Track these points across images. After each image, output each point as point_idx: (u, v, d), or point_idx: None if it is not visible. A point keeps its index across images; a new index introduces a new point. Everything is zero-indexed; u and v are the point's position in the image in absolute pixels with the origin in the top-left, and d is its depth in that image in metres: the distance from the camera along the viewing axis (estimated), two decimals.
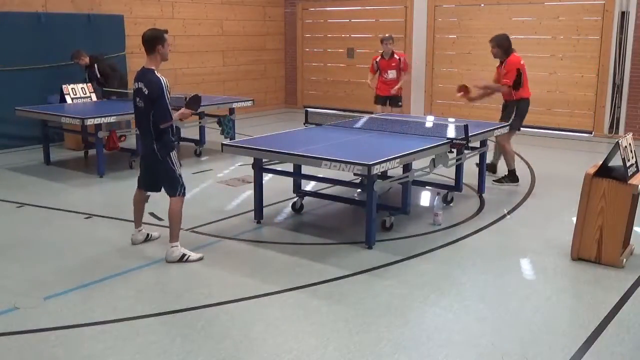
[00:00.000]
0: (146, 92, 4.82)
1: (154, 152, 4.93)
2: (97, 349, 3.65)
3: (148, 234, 5.41)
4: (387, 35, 9.43)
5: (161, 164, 4.96)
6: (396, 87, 9.19)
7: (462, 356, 3.59)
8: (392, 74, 9.24)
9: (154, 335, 3.82)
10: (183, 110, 5.21)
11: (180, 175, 5.03)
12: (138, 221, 5.35)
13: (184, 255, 4.97)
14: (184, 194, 5.06)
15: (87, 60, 9.33)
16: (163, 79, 4.86)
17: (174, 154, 4.99)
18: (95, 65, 9.39)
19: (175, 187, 5.00)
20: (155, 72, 4.87)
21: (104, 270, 4.80)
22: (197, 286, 4.54)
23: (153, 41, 4.86)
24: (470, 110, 11.87)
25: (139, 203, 5.31)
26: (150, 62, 4.91)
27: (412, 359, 3.57)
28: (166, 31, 4.99)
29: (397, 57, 9.24)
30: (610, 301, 4.29)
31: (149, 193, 5.30)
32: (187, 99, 5.34)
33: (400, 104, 9.35)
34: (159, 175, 5.05)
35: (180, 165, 5.11)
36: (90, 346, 3.68)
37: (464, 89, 7.63)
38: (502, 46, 7.29)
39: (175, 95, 9.56)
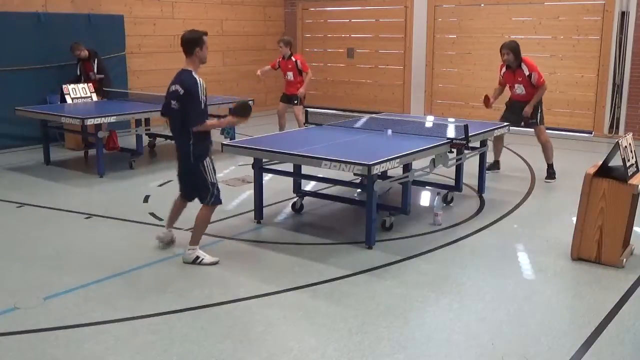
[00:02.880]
0: (181, 93, 4.71)
1: (189, 157, 4.81)
2: (97, 349, 3.65)
3: (173, 239, 5.30)
4: (281, 37, 9.63)
5: (195, 169, 4.84)
6: (301, 92, 9.32)
7: (462, 356, 3.59)
8: (289, 76, 9.41)
9: (154, 335, 3.82)
10: (229, 118, 5.03)
11: (212, 184, 4.88)
12: (170, 221, 5.29)
13: (197, 257, 4.92)
14: (214, 204, 4.95)
15: (85, 53, 9.40)
16: (200, 81, 4.74)
17: (207, 162, 4.85)
18: (95, 60, 9.43)
19: (205, 196, 4.91)
20: (193, 73, 4.76)
21: (104, 270, 4.80)
22: (198, 286, 4.54)
23: (192, 43, 4.77)
24: (470, 110, 11.88)
25: (178, 208, 5.25)
26: (188, 64, 4.81)
27: (412, 359, 3.57)
28: (205, 33, 4.87)
29: (294, 60, 9.33)
30: (610, 301, 4.29)
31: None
32: (234, 106, 5.11)
33: (295, 102, 9.40)
34: (193, 181, 4.93)
35: (215, 173, 4.94)
36: (90, 346, 3.68)
37: (487, 100, 7.84)
38: (516, 52, 7.39)
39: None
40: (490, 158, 7.68)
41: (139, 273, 4.80)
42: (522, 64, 7.44)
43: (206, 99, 4.78)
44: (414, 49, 12.56)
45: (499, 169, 8.06)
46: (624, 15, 10.27)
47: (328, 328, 3.91)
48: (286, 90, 9.60)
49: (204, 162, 4.85)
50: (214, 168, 4.94)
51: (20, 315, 4.09)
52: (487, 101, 7.85)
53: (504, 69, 7.69)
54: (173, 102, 4.80)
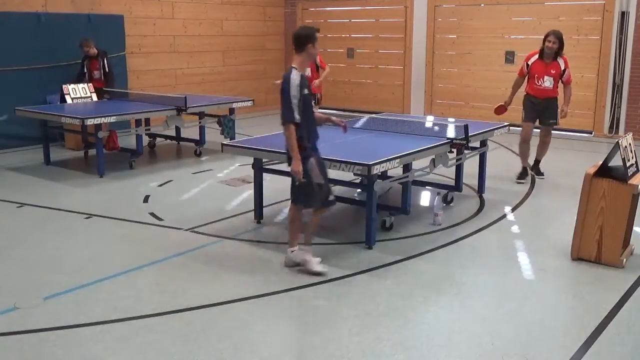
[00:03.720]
0: (280, 90, 4.58)
1: (289, 157, 4.63)
2: (97, 349, 3.65)
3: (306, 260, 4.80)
4: None
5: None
6: (315, 83, 9.17)
7: (462, 356, 3.59)
8: (307, 72, 9.23)
9: (154, 335, 3.82)
10: (338, 120, 4.86)
11: (307, 185, 4.62)
12: (293, 239, 4.87)
13: (304, 261, 4.77)
14: (303, 207, 4.79)
15: (94, 50, 9.39)
16: (295, 77, 4.52)
17: (311, 161, 4.61)
18: (105, 60, 9.43)
19: (296, 195, 4.81)
20: (293, 69, 4.58)
21: (104, 270, 4.80)
22: (197, 286, 4.54)
23: (304, 39, 4.63)
24: (470, 110, 11.89)
25: (296, 220, 4.89)
26: (295, 60, 4.66)
27: (412, 359, 3.57)
28: (318, 30, 4.76)
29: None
30: (610, 301, 4.29)
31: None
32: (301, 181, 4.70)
33: (313, 101, 9.29)
34: (292, 182, 4.75)
35: (313, 175, 4.62)
36: (90, 346, 3.68)
37: (502, 109, 7.71)
38: (562, 43, 7.16)
39: (176, 95, 9.62)
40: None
41: (139, 273, 4.79)
42: (559, 57, 7.25)
43: (299, 97, 4.51)
44: (414, 49, 12.56)
45: (540, 173, 7.70)
46: (624, 15, 10.27)
47: (328, 328, 3.91)
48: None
49: (307, 164, 4.61)
50: (316, 169, 4.66)
51: (20, 315, 4.09)
52: (502, 110, 7.67)
53: (533, 58, 7.35)
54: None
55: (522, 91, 7.67)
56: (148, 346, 3.68)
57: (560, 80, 7.34)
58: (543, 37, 7.25)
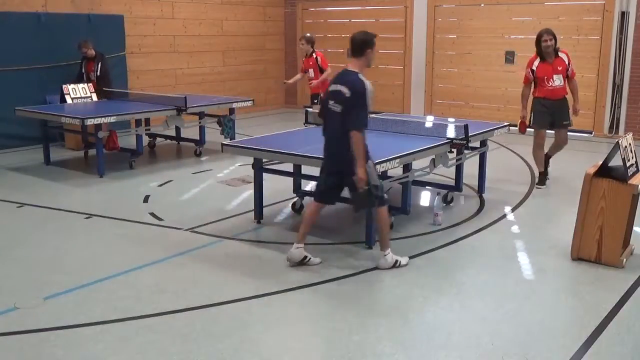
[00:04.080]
0: (347, 95, 4.50)
1: (349, 163, 4.52)
2: (97, 349, 3.65)
3: (306, 256, 4.88)
4: (303, 35, 9.56)
5: (345, 172, 4.62)
6: (313, 84, 9.24)
7: (462, 356, 3.59)
8: (310, 73, 9.33)
9: (154, 335, 3.82)
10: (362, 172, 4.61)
11: (377, 186, 4.63)
12: (302, 236, 4.89)
13: (396, 261, 4.82)
14: (381, 204, 4.75)
15: (92, 52, 9.35)
16: (368, 84, 4.54)
17: (369, 164, 4.63)
18: (100, 63, 9.40)
19: (355, 200, 4.76)
20: (360, 75, 4.56)
21: (104, 270, 4.80)
22: (197, 286, 4.54)
23: (364, 44, 4.61)
24: (470, 110, 11.89)
25: (313, 217, 4.92)
26: (354, 65, 4.62)
27: (412, 359, 3.57)
28: (376, 35, 4.75)
29: (315, 57, 9.23)
30: (610, 301, 4.29)
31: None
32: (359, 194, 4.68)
33: (315, 101, 9.20)
34: (351, 186, 4.66)
35: (371, 179, 4.59)
36: (90, 346, 3.68)
37: (523, 125, 7.50)
38: (556, 38, 7.09)
39: (176, 95, 9.62)
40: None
41: (139, 273, 4.80)
42: (560, 52, 7.14)
43: (370, 103, 4.57)
44: (414, 49, 12.56)
45: (547, 177, 7.48)
46: (624, 15, 10.27)
47: (328, 328, 3.91)
48: (311, 91, 9.45)
49: (368, 162, 4.64)
50: (374, 169, 4.71)
51: (20, 315, 4.09)
52: (524, 126, 7.45)
53: (536, 62, 7.19)
54: (332, 102, 4.60)
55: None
56: (148, 346, 3.68)
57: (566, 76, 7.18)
58: (535, 40, 7.21)
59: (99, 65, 9.40)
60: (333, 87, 4.66)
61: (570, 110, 7.30)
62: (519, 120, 7.51)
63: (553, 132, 7.47)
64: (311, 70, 9.28)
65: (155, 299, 4.34)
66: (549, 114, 7.23)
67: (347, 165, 4.56)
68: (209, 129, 9.48)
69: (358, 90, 4.51)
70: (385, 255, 4.84)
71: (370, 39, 4.66)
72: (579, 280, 4.72)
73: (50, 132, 8.68)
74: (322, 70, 9.15)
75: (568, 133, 7.48)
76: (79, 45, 9.31)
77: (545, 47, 7.09)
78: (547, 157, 7.57)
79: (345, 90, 4.54)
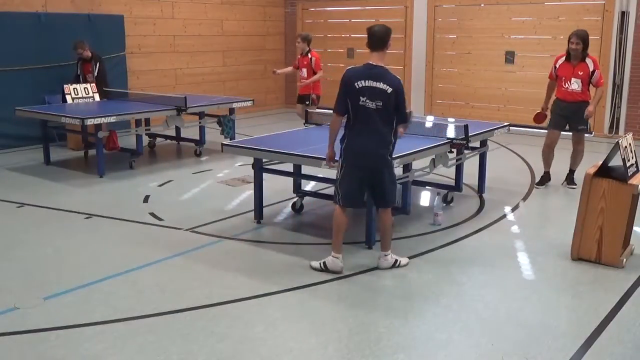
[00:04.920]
0: (389, 91, 4.46)
1: (384, 160, 4.60)
2: (97, 349, 3.65)
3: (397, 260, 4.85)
4: (299, 33, 9.54)
5: (388, 172, 4.65)
6: (302, 84, 9.27)
7: (462, 356, 3.59)
8: (303, 72, 9.33)
9: (154, 335, 3.82)
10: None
11: (394, 182, 4.77)
12: (339, 245, 4.78)
13: (395, 261, 4.84)
14: (394, 204, 4.87)
15: (88, 53, 9.24)
16: (401, 80, 4.61)
17: (394, 164, 4.76)
18: (98, 63, 9.36)
19: (391, 199, 4.79)
20: (388, 69, 4.57)
21: (104, 270, 4.80)
22: (197, 286, 4.54)
23: (386, 37, 4.54)
24: (470, 111, 11.89)
25: (344, 223, 4.76)
26: (378, 59, 4.54)
27: (412, 359, 3.57)
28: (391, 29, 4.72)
29: (310, 57, 9.22)
30: (610, 301, 4.29)
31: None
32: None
33: (307, 102, 9.28)
34: (382, 186, 4.67)
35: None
36: (90, 346, 3.68)
37: (540, 116, 7.36)
38: (586, 43, 6.87)
39: (176, 95, 9.62)
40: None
41: (139, 273, 4.80)
42: (587, 57, 6.92)
43: None
44: (414, 49, 12.56)
45: (572, 183, 7.32)
46: (624, 15, 10.27)
47: (328, 328, 3.91)
48: (299, 91, 9.50)
49: (393, 165, 4.75)
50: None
51: (20, 315, 4.09)
52: (541, 117, 7.32)
53: (560, 60, 7.06)
54: (364, 99, 4.47)
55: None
56: (148, 346, 3.68)
57: (590, 83, 6.95)
58: (568, 38, 6.98)
59: (97, 67, 9.35)
60: (366, 83, 4.47)
61: (590, 107, 6.97)
62: (538, 111, 7.39)
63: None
64: (304, 70, 9.31)
65: (155, 299, 4.34)
66: (564, 117, 7.07)
67: (382, 165, 4.60)
68: (209, 129, 9.48)
69: (399, 86, 4.52)
70: (386, 255, 4.84)
71: (390, 31, 4.63)
72: (579, 280, 4.72)
73: (50, 132, 8.68)
74: (314, 72, 9.18)
75: (563, 132, 7.34)
76: (74, 45, 9.17)
77: (572, 50, 6.89)
78: (571, 171, 7.36)
79: (385, 86, 4.47)
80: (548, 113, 7.32)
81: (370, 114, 4.50)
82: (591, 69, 6.89)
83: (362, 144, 4.57)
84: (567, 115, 7.06)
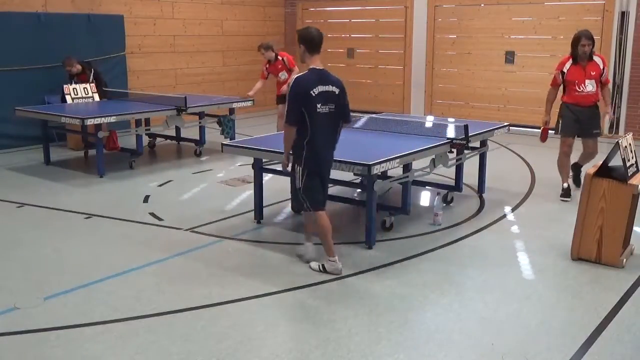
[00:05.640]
0: (337, 93, 4.58)
1: (333, 159, 4.79)
2: (97, 349, 3.65)
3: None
4: (262, 43, 9.52)
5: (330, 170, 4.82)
6: (284, 86, 9.22)
7: (462, 356, 3.59)
8: (283, 75, 9.37)
9: (154, 335, 3.82)
10: None
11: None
12: (332, 248, 4.78)
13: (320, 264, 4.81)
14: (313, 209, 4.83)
15: (79, 67, 9.14)
16: None
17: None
18: (92, 71, 9.30)
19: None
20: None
21: (104, 270, 4.80)
22: (197, 286, 4.54)
23: (322, 39, 4.63)
24: (470, 111, 11.89)
25: (330, 227, 4.76)
26: (319, 62, 4.60)
27: (412, 359, 3.57)
28: None
29: (281, 58, 9.30)
30: (610, 301, 4.29)
31: None
32: None
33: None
34: (327, 183, 4.88)
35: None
36: (90, 346, 3.68)
37: (545, 132, 6.92)
38: (594, 42, 6.58)
39: (176, 95, 9.62)
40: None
41: (139, 273, 4.80)
42: (594, 56, 6.60)
43: None
44: (414, 49, 12.56)
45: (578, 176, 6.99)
46: (624, 15, 10.27)
47: (328, 328, 3.91)
48: (278, 92, 9.49)
49: None
50: None
51: (20, 315, 4.09)
52: (546, 133, 6.91)
53: (567, 65, 6.61)
54: (319, 105, 4.52)
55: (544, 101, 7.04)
56: (148, 346, 3.68)
57: (600, 82, 6.66)
58: (571, 42, 6.61)
59: (92, 74, 9.28)
60: (320, 89, 4.51)
61: (604, 118, 6.75)
62: (542, 127, 6.93)
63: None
64: (283, 73, 9.35)
65: (155, 299, 4.34)
66: (578, 122, 6.69)
67: (332, 164, 4.80)
68: (209, 129, 9.48)
69: (342, 85, 4.69)
70: (331, 260, 4.73)
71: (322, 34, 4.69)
72: (579, 280, 4.72)
73: (50, 132, 8.68)
74: (290, 70, 9.22)
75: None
76: (63, 63, 9.06)
77: (582, 53, 6.54)
78: (578, 166, 7.06)
79: (335, 89, 4.60)
80: (551, 124, 6.92)
81: (325, 119, 4.59)
82: (601, 66, 6.64)
83: (324, 151, 4.68)
84: (582, 120, 6.68)
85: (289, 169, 4.85)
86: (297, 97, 4.49)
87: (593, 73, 6.59)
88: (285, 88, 9.26)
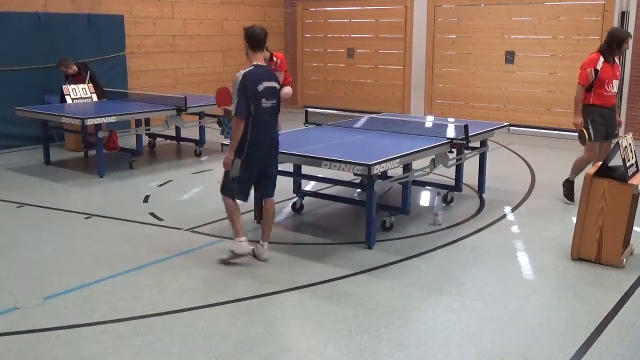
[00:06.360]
0: (277, 88, 4.77)
1: (277, 153, 4.91)
2: (97, 349, 3.65)
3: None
4: None
5: (276, 164, 4.97)
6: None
7: (462, 356, 3.59)
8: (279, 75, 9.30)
9: (154, 335, 3.82)
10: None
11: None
12: (240, 229, 4.99)
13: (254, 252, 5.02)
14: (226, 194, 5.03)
15: (75, 68, 9.10)
16: None
17: None
18: (88, 72, 9.29)
19: (274, 189, 5.03)
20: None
21: (104, 270, 4.80)
22: (197, 286, 4.54)
23: (266, 37, 4.83)
24: (470, 110, 11.89)
25: (238, 211, 4.99)
26: (261, 59, 4.81)
27: (412, 359, 3.57)
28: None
29: (275, 59, 9.11)
30: (610, 301, 4.29)
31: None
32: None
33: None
34: (273, 178, 5.01)
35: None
36: (90, 346, 3.68)
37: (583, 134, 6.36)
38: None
39: (176, 95, 9.62)
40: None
41: (139, 273, 4.80)
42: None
43: None
44: (414, 49, 12.56)
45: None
46: (624, 15, 10.27)
47: (328, 328, 3.91)
48: None
49: None
50: None
51: (20, 315, 4.09)
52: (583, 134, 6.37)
53: (600, 63, 6.21)
54: (264, 100, 4.73)
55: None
56: (148, 346, 3.68)
57: None
58: (607, 39, 6.30)
59: (87, 75, 9.26)
60: (265, 85, 4.70)
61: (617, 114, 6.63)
62: (579, 130, 6.37)
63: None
64: (280, 73, 9.26)
65: (155, 299, 4.34)
66: (605, 125, 6.37)
67: (276, 158, 4.94)
68: (209, 129, 9.48)
69: (279, 82, 4.88)
70: (241, 241, 4.90)
71: (267, 32, 4.86)
72: (579, 280, 4.72)
73: (50, 132, 8.67)
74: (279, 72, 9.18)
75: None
76: (58, 64, 9.03)
77: (622, 52, 6.36)
78: (572, 182, 6.73)
79: (276, 84, 4.79)
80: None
81: (268, 113, 4.78)
82: (620, 67, 6.50)
83: (265, 144, 4.81)
84: (607, 124, 6.38)
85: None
86: (246, 91, 4.64)
87: (618, 73, 6.41)
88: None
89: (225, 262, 4.96)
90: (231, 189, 4.87)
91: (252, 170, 4.83)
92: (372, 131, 6.57)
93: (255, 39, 4.76)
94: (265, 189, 5.03)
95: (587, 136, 6.30)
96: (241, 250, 4.89)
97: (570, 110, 9.97)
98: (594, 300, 4.33)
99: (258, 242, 5.04)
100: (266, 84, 4.73)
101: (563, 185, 6.74)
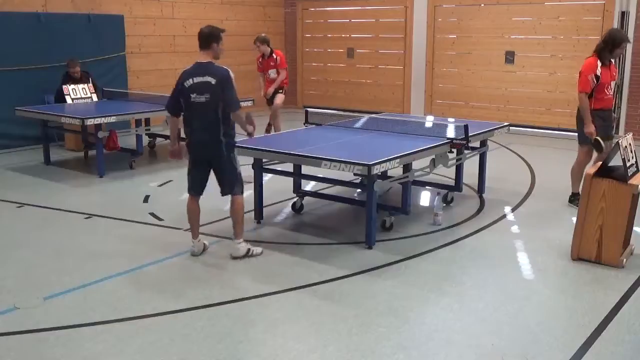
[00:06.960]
0: (213, 82, 4.82)
1: (220, 149, 4.90)
2: (97, 349, 3.65)
3: (205, 244, 5.22)
4: (258, 35, 9.47)
5: (227, 161, 4.95)
6: (271, 87, 9.33)
7: (462, 356, 3.59)
8: (272, 73, 9.38)
9: (154, 335, 3.82)
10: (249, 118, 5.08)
11: (240, 174, 5.07)
12: (196, 231, 5.15)
13: (249, 250, 5.09)
14: (243, 192, 5.12)
15: (78, 70, 9.16)
16: (229, 70, 4.96)
17: (235, 153, 5.05)
18: (90, 79, 9.30)
19: (235, 186, 5.04)
20: (215, 63, 4.96)
21: (104, 270, 4.80)
22: (197, 286, 4.54)
23: (210, 38, 4.99)
24: (470, 110, 11.89)
25: (195, 211, 5.13)
26: (204, 57, 4.97)
27: (412, 359, 3.57)
28: (223, 30, 5.17)
29: (275, 56, 9.30)
30: (610, 301, 4.29)
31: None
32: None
33: (280, 91, 9.40)
34: (222, 174, 5.02)
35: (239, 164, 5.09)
36: (90, 346, 3.68)
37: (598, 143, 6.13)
38: None
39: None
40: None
41: (139, 273, 4.80)
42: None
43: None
44: (414, 49, 12.56)
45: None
46: (624, 15, 10.27)
47: (328, 328, 3.91)
48: (266, 89, 9.49)
49: (234, 153, 5.01)
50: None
51: (20, 315, 4.09)
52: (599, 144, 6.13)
53: (598, 68, 6.14)
54: (194, 95, 4.84)
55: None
56: (148, 346, 3.68)
57: None
58: (604, 42, 6.31)
59: (90, 81, 9.28)
60: (192, 81, 4.86)
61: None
62: (594, 137, 6.11)
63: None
64: (273, 71, 9.36)
65: (155, 299, 4.34)
66: (606, 126, 6.28)
67: (217, 154, 4.90)
68: None
69: (223, 75, 4.86)
70: (239, 243, 5.03)
71: (216, 33, 5.03)
72: (579, 280, 4.72)
73: (50, 132, 8.67)
74: (279, 70, 9.29)
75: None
76: (68, 64, 9.09)
77: (618, 55, 6.35)
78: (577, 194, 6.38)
79: (210, 79, 4.84)
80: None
81: (201, 108, 4.85)
82: (616, 67, 6.42)
83: (198, 137, 4.93)
84: (607, 125, 6.33)
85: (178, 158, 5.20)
86: (175, 87, 4.99)
87: (614, 74, 6.42)
88: (271, 90, 9.31)
89: (227, 261, 4.95)
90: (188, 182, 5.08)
91: (196, 165, 5.02)
92: (372, 131, 6.56)
93: (198, 39, 5.03)
94: (221, 186, 5.08)
95: (602, 144, 6.10)
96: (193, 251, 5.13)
97: (570, 110, 9.95)
98: (594, 300, 4.33)
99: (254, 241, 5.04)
100: (197, 79, 4.85)
101: (570, 200, 6.56)
